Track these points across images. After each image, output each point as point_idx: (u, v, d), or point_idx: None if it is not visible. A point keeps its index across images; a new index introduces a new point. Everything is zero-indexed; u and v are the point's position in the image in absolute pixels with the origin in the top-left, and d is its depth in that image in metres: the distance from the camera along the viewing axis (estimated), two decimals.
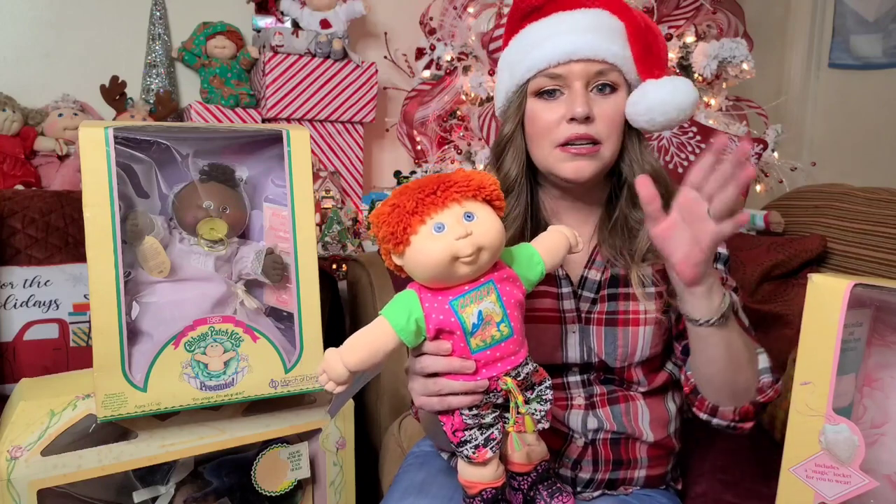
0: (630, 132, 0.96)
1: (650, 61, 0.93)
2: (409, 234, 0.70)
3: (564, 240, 0.82)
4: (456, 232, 0.70)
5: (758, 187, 2.09)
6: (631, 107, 0.93)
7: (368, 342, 0.73)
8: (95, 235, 0.93)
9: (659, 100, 0.91)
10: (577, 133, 0.90)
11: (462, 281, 0.73)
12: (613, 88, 0.93)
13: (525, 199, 0.98)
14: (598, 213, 1.00)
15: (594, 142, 0.91)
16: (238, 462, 1.11)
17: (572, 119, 0.90)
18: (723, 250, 1.02)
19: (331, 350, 0.73)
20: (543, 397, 0.78)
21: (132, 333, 0.98)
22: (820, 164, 2.21)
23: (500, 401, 0.76)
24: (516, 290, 0.76)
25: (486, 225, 0.72)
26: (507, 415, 0.76)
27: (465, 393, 0.75)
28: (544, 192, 1.01)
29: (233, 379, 1.01)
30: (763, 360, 0.96)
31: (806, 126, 2.72)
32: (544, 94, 0.93)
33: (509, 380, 0.74)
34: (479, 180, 0.73)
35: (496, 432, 0.76)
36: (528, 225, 0.97)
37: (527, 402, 0.77)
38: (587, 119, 0.90)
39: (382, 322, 0.74)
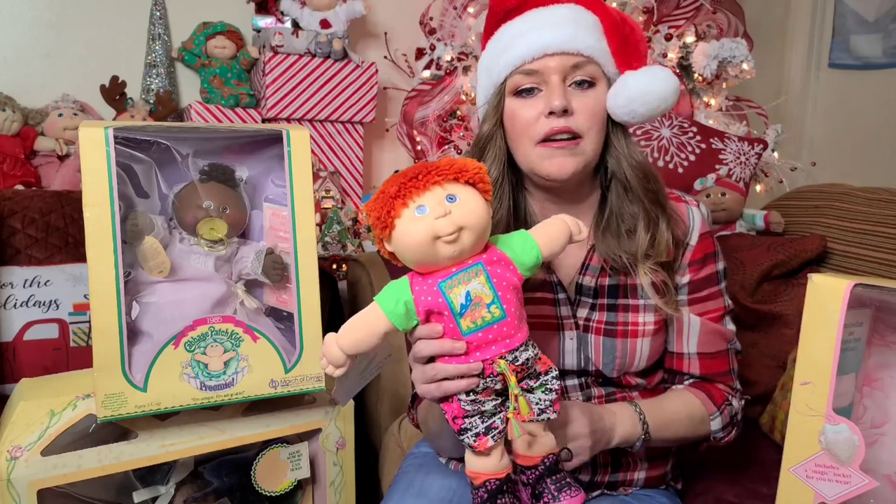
0: (614, 127, 0.95)
1: (628, 53, 0.93)
2: (393, 217, 0.73)
3: (564, 227, 0.82)
4: (436, 212, 0.72)
5: (758, 187, 2.10)
6: (612, 99, 0.92)
7: (361, 326, 0.77)
8: (95, 235, 0.93)
9: (639, 90, 0.90)
10: (555, 127, 0.89)
11: (449, 263, 0.74)
12: (591, 83, 0.92)
13: (507, 202, 0.97)
14: (589, 214, 0.99)
15: (574, 136, 0.90)
16: (238, 462, 1.11)
17: (551, 113, 0.89)
18: (720, 265, 1.01)
19: (329, 335, 0.77)
20: (549, 387, 0.78)
21: (132, 333, 0.98)
22: (820, 164, 2.22)
23: (498, 387, 0.76)
24: (509, 274, 0.76)
25: (468, 206, 0.73)
26: (508, 402, 0.77)
27: (460, 376, 0.76)
28: (531, 196, 1.00)
29: (233, 379, 1.01)
30: (717, 424, 0.98)
31: (806, 126, 2.72)
32: (522, 92, 0.92)
33: (503, 362, 0.74)
34: (461, 164, 0.75)
35: (498, 421, 0.76)
36: (512, 228, 0.95)
37: (530, 390, 0.77)
38: (566, 112, 0.89)
39: (374, 306, 0.77)
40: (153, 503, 1.08)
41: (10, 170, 1.87)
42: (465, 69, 2.11)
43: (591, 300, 0.97)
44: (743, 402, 1.02)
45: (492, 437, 0.75)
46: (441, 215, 0.72)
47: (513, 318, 0.75)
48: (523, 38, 0.91)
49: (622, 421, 0.92)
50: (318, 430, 1.14)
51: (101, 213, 0.93)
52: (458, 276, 0.74)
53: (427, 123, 2.17)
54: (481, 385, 0.75)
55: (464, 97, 2.10)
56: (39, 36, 2.05)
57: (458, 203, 0.73)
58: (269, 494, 1.10)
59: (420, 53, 2.26)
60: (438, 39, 2.16)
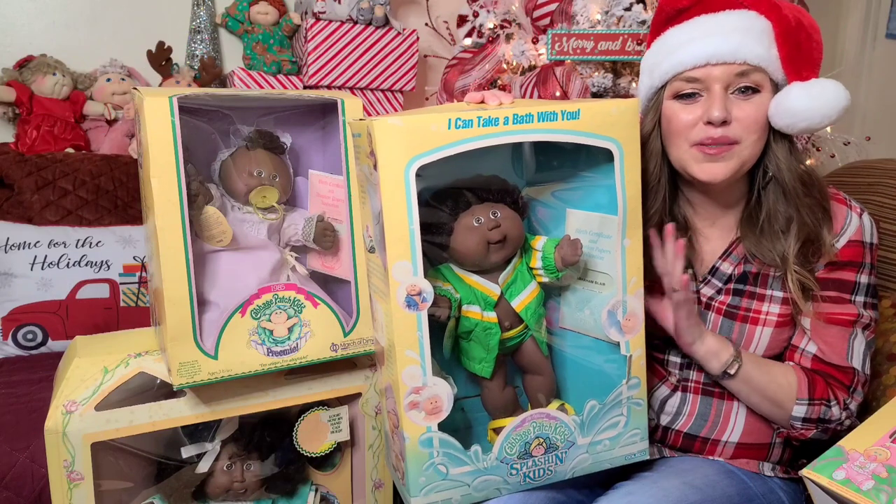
0: (778, 133, 0.93)
1: (799, 62, 0.90)
2: None
3: None
4: None
5: (808, 161, 2.03)
6: (773, 109, 0.90)
7: None
8: (164, 206, 0.92)
9: (802, 104, 0.88)
10: (712, 136, 0.89)
11: None
12: (756, 90, 0.90)
13: (662, 195, 0.98)
14: (739, 206, 0.99)
15: (731, 142, 0.90)
16: (281, 423, 1.14)
17: (709, 122, 0.89)
18: (863, 278, 0.96)
19: None
20: None
21: (199, 303, 0.98)
22: (874, 139, 2.14)
23: None
24: None
25: None
26: None
27: None
28: (684, 191, 1.02)
29: (297, 344, 1.02)
30: (800, 411, 0.94)
31: (860, 99, 2.62)
32: (683, 96, 0.92)
33: None
34: None
35: None
36: (665, 221, 0.97)
37: None
38: (724, 123, 0.88)
39: None
40: (199, 458, 1.11)
41: (61, 133, 1.91)
42: (508, 37, 2.07)
43: (720, 284, 0.98)
44: (847, 420, 0.96)
45: None
46: None
47: None
48: (688, 46, 0.90)
49: (714, 333, 0.95)
50: (359, 395, 1.16)
51: (169, 183, 0.91)
52: None
53: (468, 92, 2.15)
54: None
55: (505, 66, 2.07)
56: (88, 1, 2.07)
57: None
58: (309, 455, 1.13)
59: (462, 20, 2.23)
60: (481, 6, 2.12)
